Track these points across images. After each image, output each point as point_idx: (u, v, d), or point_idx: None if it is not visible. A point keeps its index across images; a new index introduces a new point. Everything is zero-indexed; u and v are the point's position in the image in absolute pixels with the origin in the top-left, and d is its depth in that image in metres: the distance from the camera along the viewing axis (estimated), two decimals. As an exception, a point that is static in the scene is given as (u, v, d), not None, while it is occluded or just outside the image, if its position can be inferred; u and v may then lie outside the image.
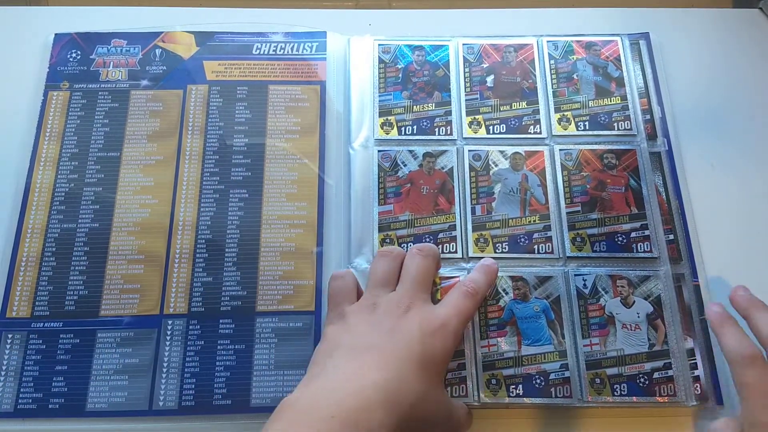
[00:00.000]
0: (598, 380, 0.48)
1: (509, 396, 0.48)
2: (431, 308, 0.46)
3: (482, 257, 0.52)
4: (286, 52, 0.61)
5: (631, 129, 0.56)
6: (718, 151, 0.58)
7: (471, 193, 0.54)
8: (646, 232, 0.53)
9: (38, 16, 0.64)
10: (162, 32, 0.62)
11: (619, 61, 0.59)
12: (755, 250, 0.55)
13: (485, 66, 0.59)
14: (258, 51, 0.61)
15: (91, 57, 0.61)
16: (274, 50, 0.61)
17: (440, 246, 0.53)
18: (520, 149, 0.56)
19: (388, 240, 0.53)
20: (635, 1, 0.66)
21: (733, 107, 0.61)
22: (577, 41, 0.60)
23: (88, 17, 0.63)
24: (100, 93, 0.59)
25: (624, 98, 0.58)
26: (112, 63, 0.60)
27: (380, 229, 0.53)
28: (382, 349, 0.43)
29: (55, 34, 0.62)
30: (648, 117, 0.57)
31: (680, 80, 0.61)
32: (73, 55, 0.61)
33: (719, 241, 0.54)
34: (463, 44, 0.60)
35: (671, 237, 0.53)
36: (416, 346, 0.43)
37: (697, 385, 0.48)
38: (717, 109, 0.60)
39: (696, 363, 0.49)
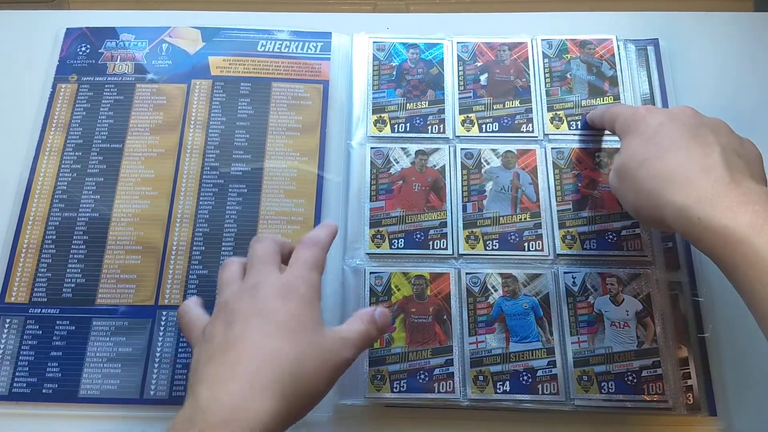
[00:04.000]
0: (585, 378, 0.45)
1: (496, 392, 0.44)
2: (276, 276, 0.39)
3: (472, 254, 0.48)
4: (291, 51, 0.58)
5: (624, 129, 0.52)
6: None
7: (462, 191, 0.51)
8: (637, 230, 0.49)
9: (54, 18, 0.61)
10: (169, 27, 0.58)
11: (614, 60, 0.55)
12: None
13: (479, 64, 0.55)
14: (263, 48, 0.58)
15: (99, 51, 0.58)
16: (279, 48, 0.58)
17: (431, 243, 0.49)
18: (513, 148, 0.52)
19: (379, 236, 0.49)
20: (648, 5, 0.61)
21: (752, 114, 0.55)
22: (572, 40, 0.56)
23: (102, 19, 0.60)
24: (106, 86, 0.56)
25: (617, 97, 0.53)
26: (119, 57, 0.57)
27: (372, 225, 0.50)
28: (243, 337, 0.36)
29: (67, 29, 0.59)
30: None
31: (691, 87, 0.55)
32: (83, 48, 0.58)
33: None
34: (458, 42, 0.56)
35: (669, 245, 0.49)
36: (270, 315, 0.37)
37: (690, 394, 0.44)
38: (734, 117, 0.54)
39: (689, 372, 0.45)
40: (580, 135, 0.52)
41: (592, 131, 0.52)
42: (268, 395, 0.33)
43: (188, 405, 0.34)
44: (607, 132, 0.52)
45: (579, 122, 0.53)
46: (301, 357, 0.35)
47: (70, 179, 0.52)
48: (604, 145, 0.52)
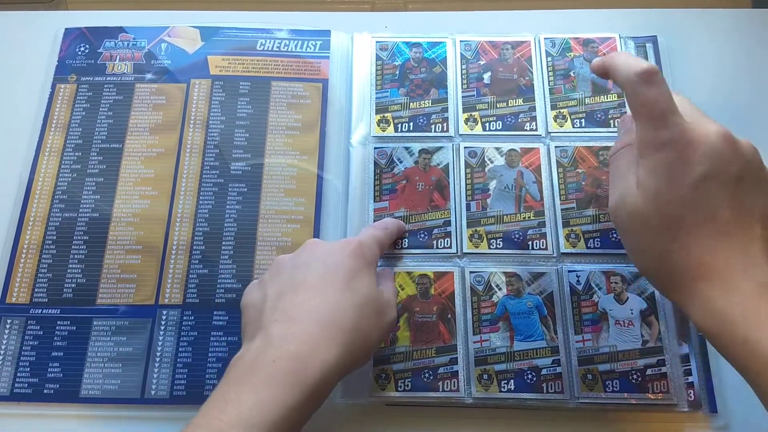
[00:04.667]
0: (590, 376, 0.45)
1: (501, 391, 0.45)
2: (345, 240, 0.45)
3: (477, 253, 0.49)
4: (290, 49, 0.58)
5: (627, 127, 0.53)
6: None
7: (466, 190, 0.51)
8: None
9: (53, 18, 0.62)
10: (168, 27, 0.59)
11: (617, 59, 0.55)
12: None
13: (482, 63, 0.56)
14: (262, 47, 0.58)
15: (98, 51, 0.58)
16: (278, 47, 0.58)
17: (435, 242, 0.49)
18: (516, 146, 0.53)
19: (382, 234, 0.50)
20: (647, 2, 0.61)
21: (750, 112, 0.56)
22: (575, 38, 0.57)
23: (101, 20, 0.61)
24: (105, 86, 0.57)
25: (621, 95, 0.54)
26: (118, 56, 0.58)
27: (375, 224, 0.50)
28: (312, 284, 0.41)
29: (66, 29, 0.59)
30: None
31: (690, 84, 0.56)
32: (82, 48, 0.58)
33: None
34: (461, 41, 0.57)
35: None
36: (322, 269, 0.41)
37: (691, 391, 0.45)
38: (732, 114, 0.54)
39: (690, 369, 0.46)
40: (583, 133, 0.53)
41: (596, 129, 0.53)
42: (335, 343, 0.37)
43: (260, 339, 0.37)
44: (611, 130, 0.53)
45: (583, 120, 0.53)
46: (360, 313, 0.39)
47: (70, 179, 0.53)
48: (608, 143, 0.52)
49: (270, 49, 0.58)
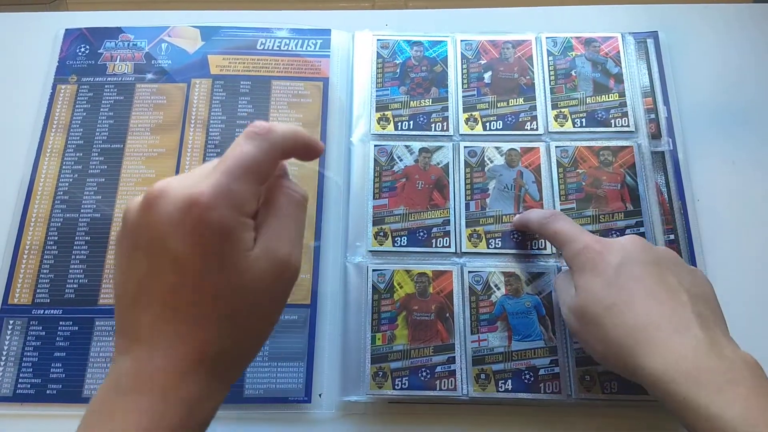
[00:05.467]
0: (588, 377, 0.46)
1: (498, 391, 0.46)
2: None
3: (475, 252, 0.50)
4: (290, 49, 0.59)
5: (628, 126, 0.54)
6: (731, 152, 0.55)
7: (465, 189, 0.52)
8: (642, 229, 0.50)
9: (53, 19, 0.63)
10: (168, 27, 0.60)
11: (619, 57, 0.56)
12: (761, 253, 0.51)
13: (483, 62, 0.57)
14: (262, 46, 0.59)
15: (99, 51, 0.59)
16: (278, 46, 0.59)
17: (434, 240, 0.50)
18: (516, 146, 0.53)
19: (381, 233, 0.51)
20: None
21: (752, 106, 0.56)
22: (576, 37, 0.57)
23: (101, 21, 0.62)
24: (106, 86, 0.58)
25: (622, 95, 0.55)
26: (119, 57, 0.59)
27: (374, 223, 0.51)
28: None
29: (66, 29, 0.61)
30: (653, 116, 0.54)
31: (691, 79, 0.57)
32: (82, 49, 0.59)
33: (724, 244, 0.51)
34: (462, 40, 0.58)
35: (672, 237, 0.51)
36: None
37: None
38: (733, 109, 0.56)
39: None
40: (584, 133, 0.54)
41: (596, 129, 0.54)
42: (195, 379, 0.30)
43: (114, 367, 0.31)
44: (612, 130, 0.54)
45: (583, 120, 0.54)
46: (236, 307, 0.31)
47: (71, 180, 0.54)
48: (609, 143, 0.53)
49: (270, 48, 0.59)
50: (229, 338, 0.31)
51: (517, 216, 0.50)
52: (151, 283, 0.31)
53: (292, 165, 0.54)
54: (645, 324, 0.37)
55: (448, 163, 0.53)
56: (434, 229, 0.51)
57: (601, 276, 0.40)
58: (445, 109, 0.55)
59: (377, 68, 0.57)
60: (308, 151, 0.35)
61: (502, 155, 0.53)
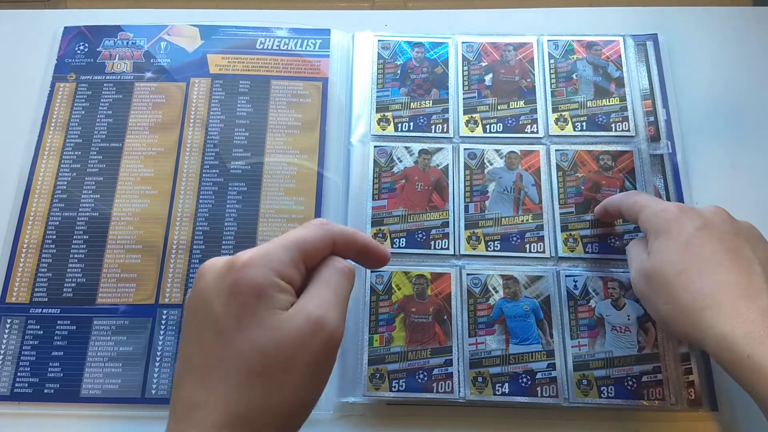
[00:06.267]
0: (585, 381, 0.47)
1: (495, 394, 0.47)
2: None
3: (474, 255, 0.51)
4: (289, 48, 0.60)
5: (628, 130, 0.54)
6: (730, 154, 0.56)
7: (465, 191, 0.53)
8: (640, 234, 0.51)
9: (52, 17, 0.63)
10: (167, 25, 0.61)
11: (620, 61, 0.57)
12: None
13: (484, 64, 0.57)
14: (261, 46, 0.60)
15: (98, 49, 0.60)
16: (277, 45, 0.60)
17: (432, 242, 0.51)
18: (516, 148, 0.54)
19: (380, 235, 0.51)
20: (647, 0, 0.63)
21: (751, 109, 0.57)
22: (578, 41, 0.58)
23: (100, 19, 0.62)
24: (105, 85, 0.58)
25: (623, 99, 0.55)
26: (118, 55, 0.60)
27: (373, 224, 0.52)
28: None
29: (65, 27, 0.61)
30: (652, 119, 0.55)
31: (691, 81, 0.58)
32: (81, 47, 0.60)
33: None
34: (463, 42, 0.58)
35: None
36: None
37: (691, 390, 0.47)
38: (732, 112, 0.57)
39: (690, 368, 0.47)
40: (584, 136, 0.54)
41: (597, 133, 0.54)
42: None
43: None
44: (612, 134, 0.54)
45: (584, 124, 0.55)
46: (252, 382, 0.31)
47: (69, 179, 0.55)
48: (609, 148, 0.54)
49: (270, 47, 0.60)
50: (262, 397, 0.31)
51: (599, 205, 0.51)
52: (192, 350, 0.33)
53: (291, 165, 0.55)
54: (714, 290, 0.38)
55: (447, 165, 0.54)
56: (433, 231, 0.52)
57: (675, 240, 0.41)
58: (446, 110, 0.56)
59: (378, 69, 0.58)
60: (369, 252, 0.37)
61: (501, 158, 0.54)
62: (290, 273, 0.33)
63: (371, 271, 0.50)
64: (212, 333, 0.32)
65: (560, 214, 0.52)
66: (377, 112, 0.56)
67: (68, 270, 0.52)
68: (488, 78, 0.57)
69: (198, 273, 0.34)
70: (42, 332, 0.50)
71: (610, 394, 0.46)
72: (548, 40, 0.58)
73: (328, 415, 0.47)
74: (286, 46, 0.60)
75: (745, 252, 0.40)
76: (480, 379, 0.47)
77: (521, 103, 0.56)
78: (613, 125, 0.54)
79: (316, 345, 0.32)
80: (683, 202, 0.53)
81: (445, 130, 0.55)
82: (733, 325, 0.36)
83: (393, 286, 0.50)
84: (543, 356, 0.48)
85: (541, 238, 0.51)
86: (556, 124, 0.55)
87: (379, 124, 0.55)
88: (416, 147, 0.54)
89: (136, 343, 0.49)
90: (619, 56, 0.57)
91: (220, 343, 0.31)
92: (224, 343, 0.31)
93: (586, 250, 0.51)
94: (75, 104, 0.57)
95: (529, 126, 0.55)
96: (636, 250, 0.45)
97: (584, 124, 0.55)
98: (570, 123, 0.55)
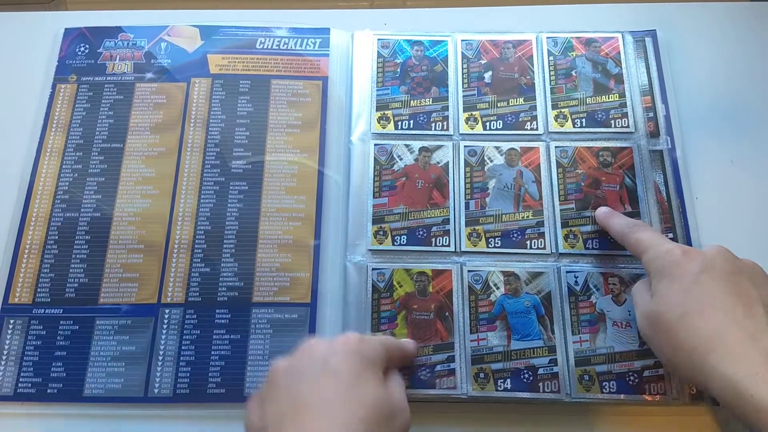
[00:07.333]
0: (586, 377, 0.47)
1: (497, 390, 0.47)
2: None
3: (475, 251, 0.51)
4: (289, 48, 0.60)
5: (628, 126, 0.55)
6: (731, 149, 0.56)
7: (465, 188, 0.53)
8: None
9: (52, 18, 0.64)
10: (168, 26, 0.61)
11: (619, 58, 0.57)
12: (759, 251, 0.52)
13: (483, 62, 0.58)
14: (261, 45, 0.61)
15: (98, 51, 0.61)
16: (277, 45, 0.61)
17: (433, 239, 0.52)
18: (516, 145, 0.55)
19: (381, 232, 0.52)
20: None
21: (750, 105, 0.58)
22: (577, 38, 0.59)
23: (100, 20, 0.63)
24: (106, 86, 0.59)
25: (622, 95, 0.56)
26: (118, 56, 0.60)
27: (374, 222, 0.52)
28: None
29: (65, 29, 0.62)
30: (651, 115, 0.56)
31: (690, 77, 0.58)
32: (82, 48, 0.61)
33: (722, 241, 0.51)
34: (462, 40, 0.59)
35: (671, 235, 0.52)
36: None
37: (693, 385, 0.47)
38: (731, 107, 0.58)
39: None
40: (584, 133, 0.55)
41: (596, 129, 0.55)
42: None
43: None
44: (612, 131, 0.55)
45: (584, 120, 0.55)
46: (368, 426, 0.38)
47: (71, 179, 0.55)
48: (609, 144, 0.54)
49: (269, 47, 0.61)
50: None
51: (601, 213, 0.51)
52: (311, 395, 0.39)
53: (291, 164, 0.56)
54: (718, 332, 0.39)
55: (447, 162, 0.54)
56: (434, 228, 0.52)
57: (678, 282, 0.41)
58: (446, 108, 0.56)
59: (378, 67, 0.58)
60: (401, 351, 0.47)
61: (501, 155, 0.54)
62: (381, 361, 0.43)
63: (373, 269, 0.51)
64: (332, 380, 0.39)
65: (560, 210, 0.52)
66: (377, 110, 0.56)
67: (70, 270, 0.52)
68: (488, 75, 0.57)
69: (299, 349, 0.42)
70: (45, 332, 0.50)
71: (612, 389, 0.47)
72: (547, 37, 0.59)
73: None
74: (285, 46, 0.61)
75: (747, 291, 0.41)
76: (482, 375, 0.48)
77: (521, 100, 0.56)
78: (612, 121, 0.55)
79: (399, 425, 0.40)
80: (683, 198, 0.53)
81: (445, 127, 0.56)
82: (736, 368, 0.37)
83: (394, 283, 0.50)
84: (544, 352, 0.48)
85: (541, 235, 0.52)
86: (556, 121, 0.55)
87: (379, 122, 0.56)
88: (416, 145, 0.55)
89: (139, 342, 0.50)
90: (618, 53, 0.58)
91: (340, 389, 0.39)
92: (345, 389, 0.39)
93: (587, 246, 0.51)
94: (76, 105, 0.58)
95: (528, 123, 0.55)
96: (640, 291, 0.45)
97: (584, 120, 0.55)
98: (569, 119, 0.55)
